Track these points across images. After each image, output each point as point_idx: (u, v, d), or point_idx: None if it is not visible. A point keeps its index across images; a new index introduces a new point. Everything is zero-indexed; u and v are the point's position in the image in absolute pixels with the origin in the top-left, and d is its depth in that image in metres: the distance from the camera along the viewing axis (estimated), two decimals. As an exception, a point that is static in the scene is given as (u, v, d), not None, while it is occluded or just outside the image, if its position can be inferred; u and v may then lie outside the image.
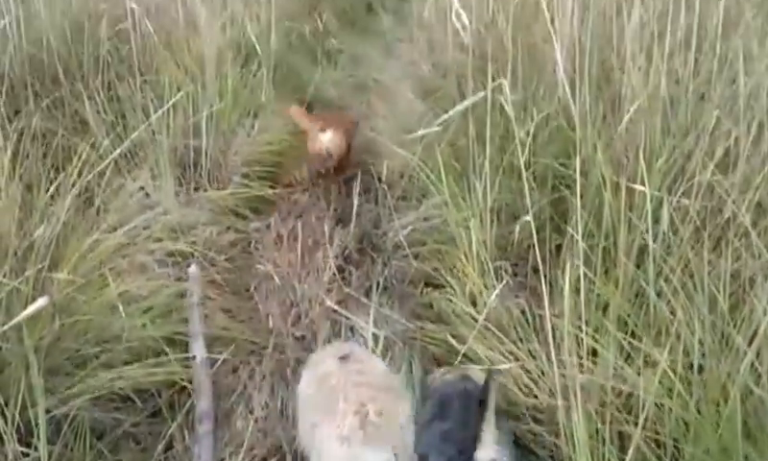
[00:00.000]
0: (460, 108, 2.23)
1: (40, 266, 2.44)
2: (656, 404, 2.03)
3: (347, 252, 3.64)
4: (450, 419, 2.20)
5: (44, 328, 2.35)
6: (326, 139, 4.08)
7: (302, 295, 3.36)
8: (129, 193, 3.36)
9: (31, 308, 1.82)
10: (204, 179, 3.97)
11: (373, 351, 2.85)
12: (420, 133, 2.64)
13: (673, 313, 2.19)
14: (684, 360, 2.06)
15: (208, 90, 4.19)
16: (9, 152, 2.89)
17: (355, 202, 3.88)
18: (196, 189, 3.89)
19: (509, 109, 2.38)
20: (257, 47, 4.77)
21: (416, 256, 3.35)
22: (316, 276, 3.50)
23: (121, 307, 2.53)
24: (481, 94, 2.40)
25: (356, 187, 3.97)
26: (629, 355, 2.30)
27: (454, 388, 2.36)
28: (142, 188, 3.50)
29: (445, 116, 2.24)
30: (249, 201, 3.99)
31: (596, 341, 2.30)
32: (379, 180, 3.90)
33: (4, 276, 2.33)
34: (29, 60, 3.98)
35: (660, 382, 1.99)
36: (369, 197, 4.06)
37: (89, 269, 2.66)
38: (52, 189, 2.85)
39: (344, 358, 2.26)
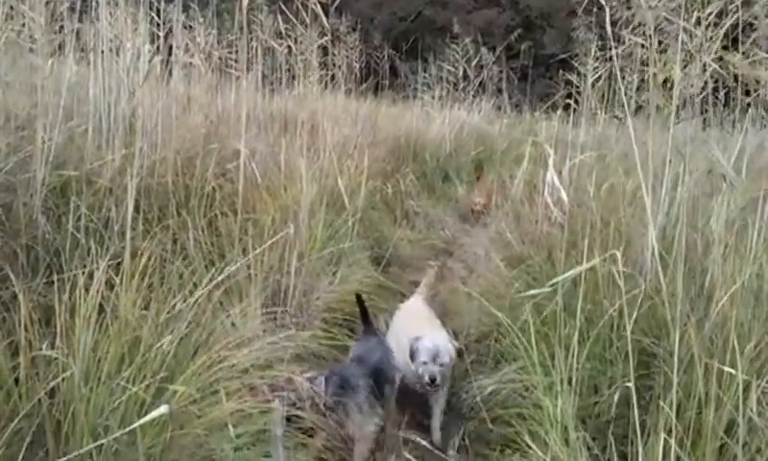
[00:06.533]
0: (572, 272, 2.53)
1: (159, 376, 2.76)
2: None
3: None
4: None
5: (157, 437, 2.63)
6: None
7: (379, 443, 3.58)
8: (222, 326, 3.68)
9: (152, 414, 1.97)
10: (288, 319, 4.33)
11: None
12: (533, 292, 2.95)
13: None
14: None
15: (301, 233, 4.66)
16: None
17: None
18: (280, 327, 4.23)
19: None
20: (346, 200, 5.27)
21: (492, 420, 3.54)
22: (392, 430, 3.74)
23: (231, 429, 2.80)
24: (594, 262, 2.72)
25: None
26: None
27: None
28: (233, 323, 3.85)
29: (559, 278, 2.50)
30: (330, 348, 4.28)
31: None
32: (456, 339, 4.19)
33: (127, 381, 2.66)
34: (144, 186, 4.45)
35: None
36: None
37: (201, 387, 2.95)
38: (168, 307, 3.17)
39: None
